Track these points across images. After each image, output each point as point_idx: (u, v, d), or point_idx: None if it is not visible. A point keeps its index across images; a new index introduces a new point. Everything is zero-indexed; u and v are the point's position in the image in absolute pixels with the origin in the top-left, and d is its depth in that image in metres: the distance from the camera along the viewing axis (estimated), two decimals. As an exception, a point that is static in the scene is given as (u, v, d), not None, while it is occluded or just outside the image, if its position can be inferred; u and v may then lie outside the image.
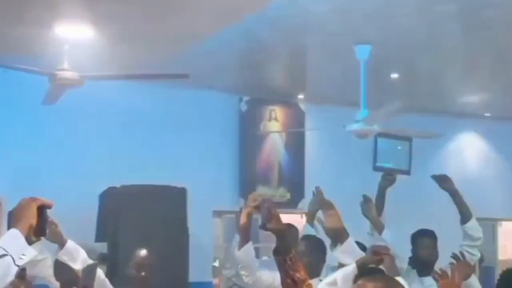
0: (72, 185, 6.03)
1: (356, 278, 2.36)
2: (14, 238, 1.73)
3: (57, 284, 3.29)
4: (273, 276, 2.85)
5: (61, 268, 3.14)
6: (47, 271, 3.29)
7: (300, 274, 1.90)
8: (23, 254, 1.73)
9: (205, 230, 6.79)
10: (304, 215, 3.83)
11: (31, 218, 1.72)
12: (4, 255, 1.70)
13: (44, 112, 5.61)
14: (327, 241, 2.84)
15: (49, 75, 4.65)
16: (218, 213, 7.19)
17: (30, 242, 1.73)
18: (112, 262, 4.74)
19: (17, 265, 1.72)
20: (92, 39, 4.80)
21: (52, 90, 4.83)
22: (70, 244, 3.10)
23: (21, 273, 2.51)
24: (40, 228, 1.74)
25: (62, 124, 6.19)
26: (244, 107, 7.29)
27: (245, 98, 7.27)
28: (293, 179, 7.44)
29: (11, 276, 1.70)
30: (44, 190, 5.80)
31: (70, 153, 6.26)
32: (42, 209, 1.74)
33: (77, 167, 6.22)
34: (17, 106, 6.01)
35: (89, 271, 2.86)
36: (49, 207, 1.75)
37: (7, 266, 1.70)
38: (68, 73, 4.64)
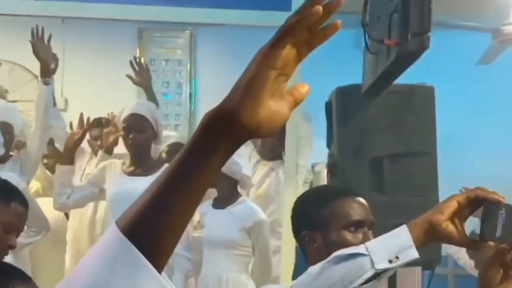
0: (497, 156, 5.38)
1: None
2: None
3: None
4: None
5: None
6: None
7: None
8: (396, 257, 1.48)
9: None
10: None
11: None
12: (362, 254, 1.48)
13: (476, 73, 5.12)
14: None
15: (493, 31, 4.27)
16: None
17: None
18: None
19: (377, 269, 1.47)
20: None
21: (493, 48, 4.48)
22: None
23: None
24: None
25: (494, 86, 5.36)
26: None
27: None
28: None
29: (362, 279, 1.47)
30: (464, 159, 5.23)
31: (499, 120, 5.48)
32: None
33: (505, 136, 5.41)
34: (446, 70, 5.19)
35: None
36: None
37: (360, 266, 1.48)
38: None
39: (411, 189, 2.74)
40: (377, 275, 1.50)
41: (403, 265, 1.52)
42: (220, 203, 3.53)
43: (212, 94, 4.08)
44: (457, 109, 5.63)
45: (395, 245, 1.50)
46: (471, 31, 4.53)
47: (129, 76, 4.09)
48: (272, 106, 0.76)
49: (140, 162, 3.42)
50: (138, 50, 5.54)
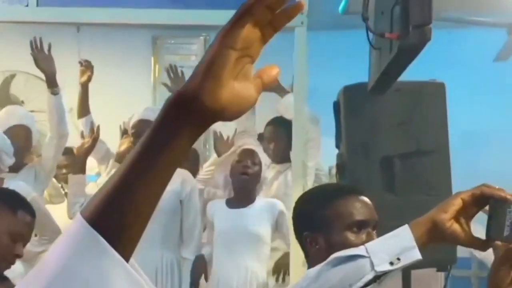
0: None
1: None
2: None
3: None
4: None
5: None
6: None
7: None
8: (398, 258, 1.41)
9: None
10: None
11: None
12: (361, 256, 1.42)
13: (494, 70, 5.06)
14: None
15: (508, 26, 4.28)
16: None
17: None
18: None
19: (377, 272, 1.41)
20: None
21: (509, 44, 4.47)
22: None
23: None
24: None
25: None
26: None
27: None
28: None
29: (361, 282, 1.40)
30: (482, 156, 5.26)
31: None
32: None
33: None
34: (462, 67, 5.29)
35: None
36: None
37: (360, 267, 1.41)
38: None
39: (423, 189, 2.67)
40: (377, 277, 1.44)
41: (405, 267, 1.45)
42: (239, 203, 3.49)
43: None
44: (476, 106, 5.55)
45: (396, 246, 1.44)
46: (488, 27, 4.43)
47: (165, 84, 4.11)
48: (237, 88, 0.75)
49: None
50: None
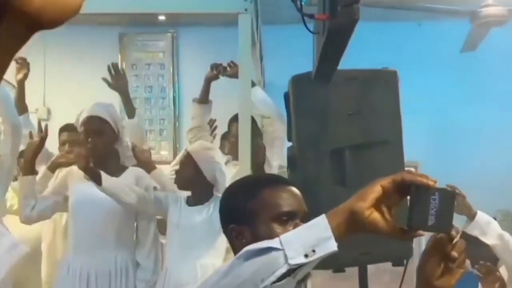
0: (500, 145, 5.28)
1: None
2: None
3: None
4: None
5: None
6: None
7: None
8: (313, 250, 1.32)
9: None
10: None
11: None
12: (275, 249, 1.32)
13: (463, 61, 5.03)
14: None
15: (470, 14, 4.16)
16: None
17: None
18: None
19: (290, 265, 1.31)
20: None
21: (473, 33, 4.34)
22: (482, 216, 2.94)
23: None
24: None
25: (484, 73, 5.34)
26: None
27: None
28: None
29: (274, 277, 1.31)
30: (459, 152, 5.17)
31: (488, 110, 5.38)
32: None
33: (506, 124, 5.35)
34: (432, 59, 5.31)
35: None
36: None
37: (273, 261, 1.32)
38: (493, 9, 4.08)
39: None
40: (291, 271, 1.33)
41: (320, 259, 1.33)
42: (196, 201, 3.36)
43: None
44: (445, 98, 5.47)
45: (312, 237, 1.32)
46: (456, 19, 4.34)
47: (105, 80, 3.97)
48: None
49: (102, 167, 3.27)
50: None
